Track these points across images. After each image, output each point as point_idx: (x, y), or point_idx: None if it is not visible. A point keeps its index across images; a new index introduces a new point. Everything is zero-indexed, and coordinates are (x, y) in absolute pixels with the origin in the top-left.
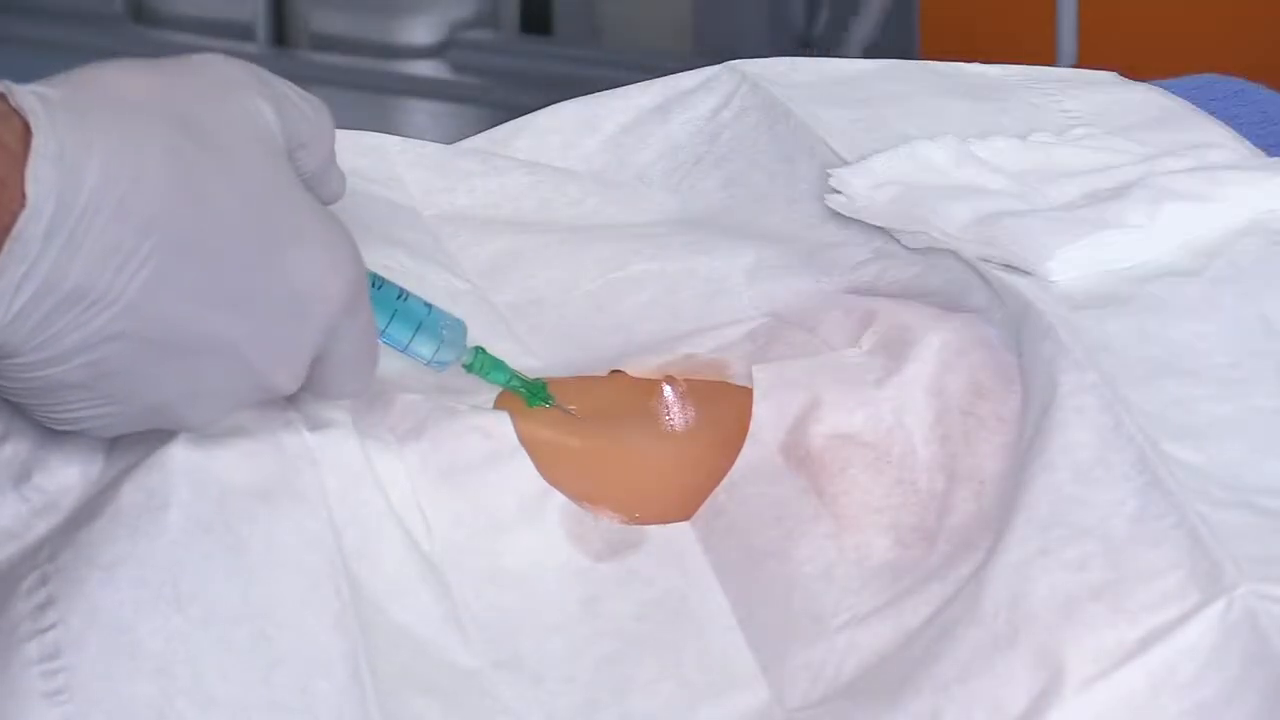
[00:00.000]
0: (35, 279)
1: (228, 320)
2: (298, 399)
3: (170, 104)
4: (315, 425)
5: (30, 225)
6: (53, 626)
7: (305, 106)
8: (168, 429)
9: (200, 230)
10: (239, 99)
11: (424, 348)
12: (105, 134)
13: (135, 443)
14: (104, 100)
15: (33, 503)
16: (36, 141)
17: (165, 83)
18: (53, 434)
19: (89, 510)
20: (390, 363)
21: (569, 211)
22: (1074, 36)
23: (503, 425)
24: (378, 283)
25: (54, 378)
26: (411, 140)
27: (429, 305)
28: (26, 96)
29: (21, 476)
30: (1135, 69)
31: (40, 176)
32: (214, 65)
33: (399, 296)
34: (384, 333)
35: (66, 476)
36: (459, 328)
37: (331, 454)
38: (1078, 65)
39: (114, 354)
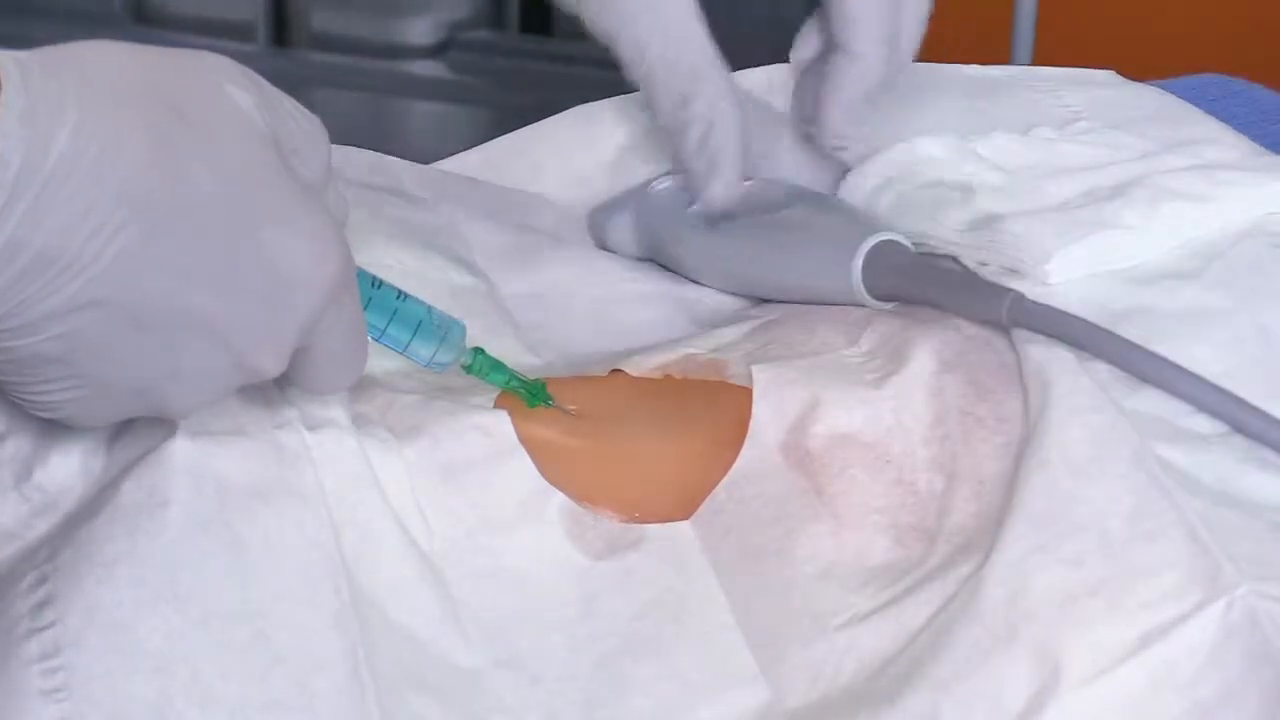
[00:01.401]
0: (1, 234)
1: (206, 297)
2: (295, 397)
3: (152, 81)
4: (314, 424)
5: None
6: (51, 625)
7: (297, 114)
8: (151, 415)
9: (177, 204)
10: (225, 87)
11: (423, 348)
12: (81, 101)
13: (136, 440)
14: (84, 71)
15: (33, 502)
16: (4, 97)
17: (149, 63)
18: (54, 432)
19: (88, 508)
20: (389, 363)
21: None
22: (1031, 33)
23: (502, 424)
24: (376, 283)
25: (29, 349)
26: (412, 164)
27: (428, 306)
28: (2, 57)
29: (22, 475)
30: (1136, 69)
31: (6, 131)
32: (202, 56)
33: (398, 297)
34: (383, 333)
35: (67, 475)
36: (458, 329)
37: (330, 453)
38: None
39: (88, 325)
